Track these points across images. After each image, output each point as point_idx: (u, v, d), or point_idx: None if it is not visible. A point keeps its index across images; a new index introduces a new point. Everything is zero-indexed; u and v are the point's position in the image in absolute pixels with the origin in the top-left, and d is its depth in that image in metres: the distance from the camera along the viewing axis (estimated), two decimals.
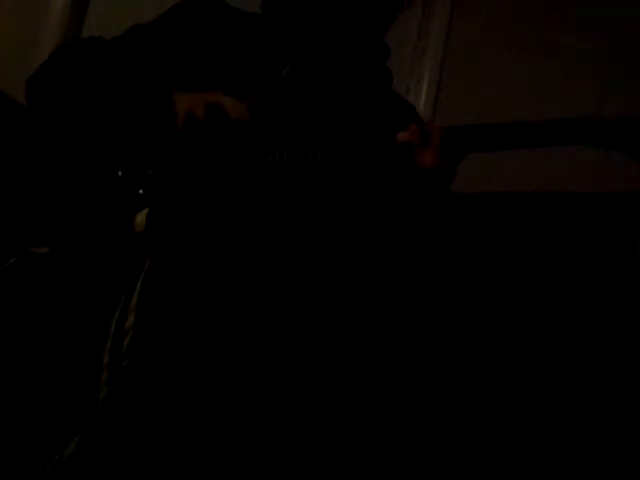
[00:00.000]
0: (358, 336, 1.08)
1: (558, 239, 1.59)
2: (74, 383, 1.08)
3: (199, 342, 1.00)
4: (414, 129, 1.21)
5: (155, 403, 0.96)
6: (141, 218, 1.10)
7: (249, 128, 1.17)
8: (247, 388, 0.99)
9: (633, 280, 1.48)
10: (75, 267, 1.14)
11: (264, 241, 1.10)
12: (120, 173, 1.17)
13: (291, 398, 1.01)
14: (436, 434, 1.14)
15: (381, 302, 1.11)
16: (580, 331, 1.44)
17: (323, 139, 1.21)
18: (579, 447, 1.33)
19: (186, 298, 1.02)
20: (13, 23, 2.28)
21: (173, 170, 1.17)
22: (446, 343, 1.17)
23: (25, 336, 1.14)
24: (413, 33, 2.41)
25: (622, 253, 1.53)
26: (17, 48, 2.23)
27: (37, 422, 1.08)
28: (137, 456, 0.94)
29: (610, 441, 1.34)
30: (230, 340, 1.01)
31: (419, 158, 1.20)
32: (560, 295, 1.49)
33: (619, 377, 1.39)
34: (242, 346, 1.01)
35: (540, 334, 1.43)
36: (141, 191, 1.16)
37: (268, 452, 0.98)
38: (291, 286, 1.07)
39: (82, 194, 1.17)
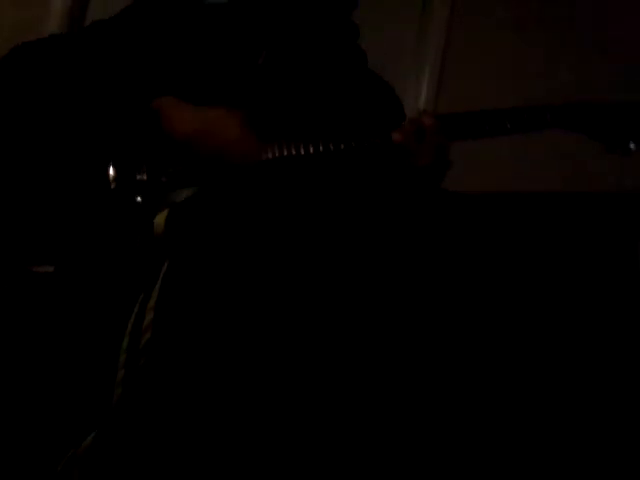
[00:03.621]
0: (361, 338, 1.07)
1: (558, 239, 1.59)
2: (90, 381, 1.09)
3: (216, 343, 0.99)
4: (407, 129, 1.18)
5: (171, 403, 0.96)
6: (160, 220, 1.10)
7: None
8: (263, 389, 0.98)
9: (633, 281, 1.48)
10: (91, 266, 1.14)
11: (278, 243, 1.09)
12: (113, 186, 1.16)
13: (300, 398, 1.01)
14: (435, 434, 1.14)
15: (379, 303, 1.11)
16: (580, 332, 1.44)
17: (310, 132, 1.19)
18: (579, 447, 1.33)
19: (204, 299, 1.02)
20: (13, 23, 2.28)
21: (170, 174, 1.16)
22: (445, 344, 1.17)
23: (40, 332, 1.14)
24: (413, 33, 2.41)
25: (622, 254, 1.53)
26: None
27: (51, 419, 1.08)
28: (151, 455, 0.94)
29: (610, 441, 1.34)
30: (246, 342, 1.00)
31: (414, 156, 1.18)
32: (560, 296, 1.49)
33: (619, 378, 1.39)
34: (259, 348, 1.00)
35: (539, 335, 1.42)
36: (139, 199, 1.15)
37: (280, 453, 0.98)
38: (303, 288, 1.06)
39: (81, 203, 1.16)
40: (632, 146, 1.21)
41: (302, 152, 1.17)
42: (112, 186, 1.15)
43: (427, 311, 1.14)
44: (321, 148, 1.18)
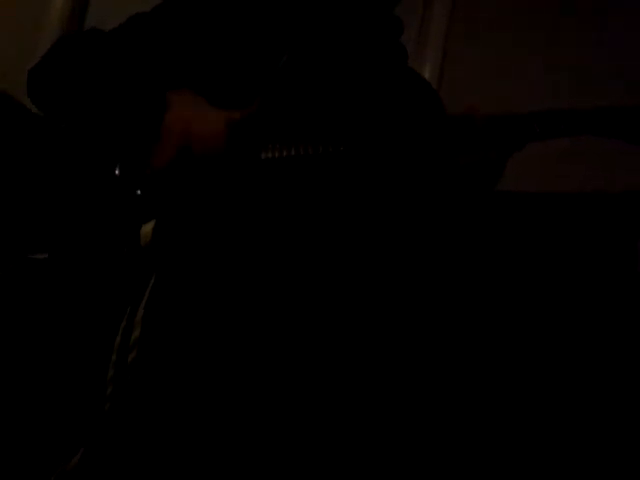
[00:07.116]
0: (359, 337, 1.07)
1: (558, 239, 1.59)
2: (79, 395, 1.08)
3: (205, 357, 0.98)
4: None
5: (159, 417, 0.96)
6: (147, 230, 1.08)
7: (223, 155, 1.14)
8: (254, 408, 0.98)
9: (633, 281, 1.48)
10: (78, 277, 1.13)
11: (271, 255, 1.07)
12: (117, 172, 1.16)
13: (295, 402, 1.01)
14: (435, 434, 1.14)
15: (381, 302, 1.11)
16: (580, 332, 1.44)
17: (331, 131, 1.16)
18: (578, 447, 1.33)
19: (193, 313, 1.01)
20: (13, 23, 2.28)
21: (170, 172, 1.16)
22: (445, 343, 1.17)
23: (28, 346, 1.13)
24: (413, 32, 2.41)
25: (622, 253, 1.53)
26: (17, 48, 2.23)
27: (41, 433, 1.08)
28: (140, 469, 0.94)
29: (610, 441, 1.34)
30: (236, 357, 0.99)
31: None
32: (560, 296, 1.49)
33: (619, 377, 1.39)
34: (249, 363, 0.99)
35: (539, 334, 1.42)
36: (139, 192, 1.15)
37: (276, 458, 0.97)
38: (296, 299, 1.05)
39: (80, 195, 1.16)
40: None
41: (302, 153, 1.15)
42: (117, 175, 1.15)
43: (428, 309, 1.14)
44: (320, 149, 1.15)
